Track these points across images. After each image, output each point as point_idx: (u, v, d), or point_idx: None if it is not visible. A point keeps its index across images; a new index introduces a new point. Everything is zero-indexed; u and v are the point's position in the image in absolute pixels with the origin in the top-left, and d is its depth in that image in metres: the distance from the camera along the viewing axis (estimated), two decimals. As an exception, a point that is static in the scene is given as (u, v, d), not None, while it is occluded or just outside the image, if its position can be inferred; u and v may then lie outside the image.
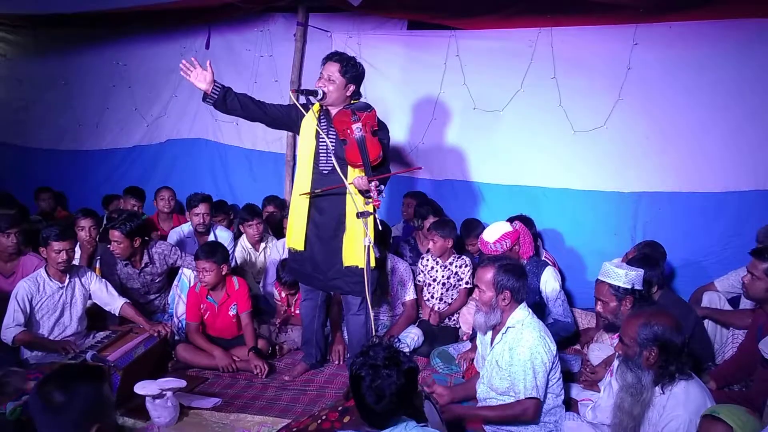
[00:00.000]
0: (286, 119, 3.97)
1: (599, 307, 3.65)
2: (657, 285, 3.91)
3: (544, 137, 5.48)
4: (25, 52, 7.85)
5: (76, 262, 4.85)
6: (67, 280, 4.28)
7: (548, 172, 5.52)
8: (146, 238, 4.85)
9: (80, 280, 4.37)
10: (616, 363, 3.00)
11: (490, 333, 3.43)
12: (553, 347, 3.24)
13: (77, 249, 4.93)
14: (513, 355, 3.20)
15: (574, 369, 4.15)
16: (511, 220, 4.82)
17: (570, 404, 3.55)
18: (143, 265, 4.79)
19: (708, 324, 4.10)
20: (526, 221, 4.91)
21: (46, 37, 7.62)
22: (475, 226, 5.33)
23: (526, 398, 3.16)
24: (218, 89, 3.74)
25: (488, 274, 3.28)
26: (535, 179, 5.57)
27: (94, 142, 7.58)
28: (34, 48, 7.76)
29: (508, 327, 3.28)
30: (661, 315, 2.77)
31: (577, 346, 4.68)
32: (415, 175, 5.95)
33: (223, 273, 4.46)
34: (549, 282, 4.42)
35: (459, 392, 3.62)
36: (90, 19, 6.83)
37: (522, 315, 3.27)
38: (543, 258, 4.96)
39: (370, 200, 3.64)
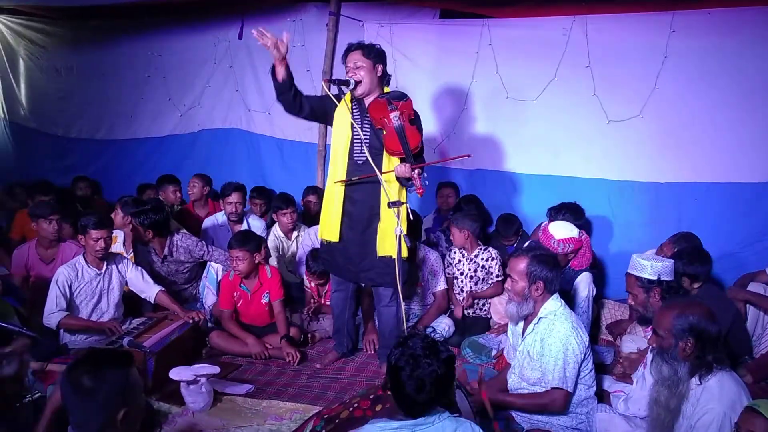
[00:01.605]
0: (322, 111, 3.98)
1: (630, 300, 3.64)
2: (702, 280, 3.84)
3: (578, 127, 5.41)
4: (63, 44, 8.00)
5: (120, 246, 4.95)
6: (104, 267, 4.37)
7: (582, 162, 5.45)
8: (165, 231, 4.91)
9: (117, 268, 4.45)
10: (650, 356, 2.96)
11: (521, 323, 3.40)
12: (586, 338, 3.21)
13: (121, 234, 5.03)
14: (544, 346, 3.18)
15: (607, 361, 4.11)
16: (557, 209, 4.79)
17: (602, 396, 3.52)
18: (164, 255, 4.89)
19: (750, 311, 4.01)
20: (575, 210, 4.85)
21: (84, 29, 7.77)
22: (512, 222, 5.31)
23: (554, 388, 3.15)
24: (292, 78, 3.75)
25: (521, 264, 3.25)
26: (568, 169, 5.50)
27: (128, 132, 7.72)
28: (71, 40, 7.92)
29: (540, 318, 3.25)
30: (695, 305, 2.74)
31: (610, 338, 4.64)
32: (448, 165, 5.93)
33: (257, 261, 4.51)
34: (581, 287, 4.32)
35: (493, 386, 3.60)
36: (126, 11, 6.95)
37: (554, 306, 3.24)
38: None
39: (413, 188, 3.62)
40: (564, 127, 5.46)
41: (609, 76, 5.24)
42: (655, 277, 3.44)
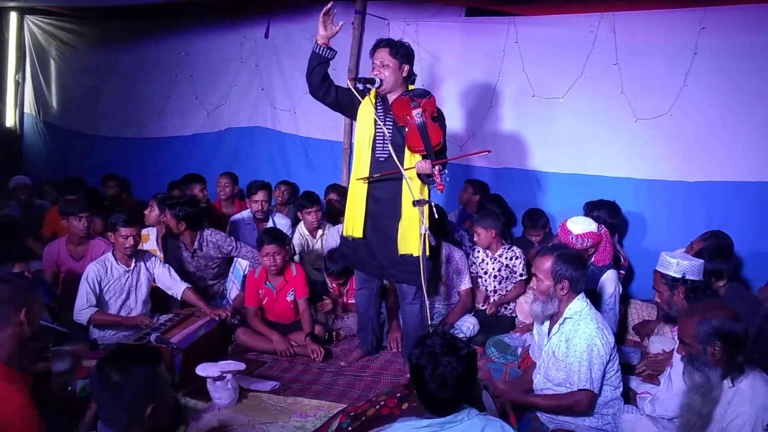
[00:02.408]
0: (347, 103, 3.97)
1: (656, 297, 3.61)
2: (727, 278, 3.78)
3: (605, 125, 5.36)
4: (92, 44, 8.12)
5: (154, 243, 5.02)
6: (133, 264, 4.42)
7: (609, 160, 5.39)
8: (197, 225, 4.96)
9: (145, 265, 4.51)
10: (676, 356, 2.93)
11: (546, 323, 3.38)
12: (611, 339, 3.18)
13: (154, 231, 5.11)
14: (569, 346, 3.16)
15: (633, 361, 4.07)
16: (593, 205, 4.75)
17: (628, 397, 3.49)
18: (194, 249, 4.94)
19: None
20: (612, 208, 4.81)
21: (112, 29, 7.88)
22: (539, 217, 5.28)
23: (579, 390, 3.12)
24: (332, 51, 3.79)
25: (546, 263, 3.23)
26: (595, 168, 5.45)
27: (156, 130, 7.80)
28: (101, 39, 8.03)
29: (565, 318, 3.23)
30: (716, 307, 2.69)
31: (637, 338, 4.59)
32: (473, 163, 5.91)
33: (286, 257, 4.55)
34: (607, 285, 4.25)
35: (517, 387, 3.58)
36: (154, 11, 7.03)
37: (580, 306, 3.22)
38: (615, 251, 4.84)
39: (434, 184, 3.62)
40: (591, 125, 5.42)
41: (637, 73, 5.19)
42: (679, 275, 3.41)
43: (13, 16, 8.35)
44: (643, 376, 3.74)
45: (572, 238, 4.12)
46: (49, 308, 4.35)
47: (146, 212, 5.23)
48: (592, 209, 4.76)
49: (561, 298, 3.22)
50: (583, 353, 3.09)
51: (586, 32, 5.31)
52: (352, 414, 3.02)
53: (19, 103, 8.73)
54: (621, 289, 4.35)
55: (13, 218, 5.82)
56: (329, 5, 3.69)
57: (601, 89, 5.31)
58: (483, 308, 4.84)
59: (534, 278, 3.33)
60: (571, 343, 3.15)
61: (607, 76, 5.27)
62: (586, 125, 5.44)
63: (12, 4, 7.81)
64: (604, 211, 4.73)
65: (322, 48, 3.75)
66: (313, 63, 3.80)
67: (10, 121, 8.67)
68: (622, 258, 4.88)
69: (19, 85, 8.65)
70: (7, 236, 4.99)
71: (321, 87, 3.84)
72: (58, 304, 4.52)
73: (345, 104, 3.98)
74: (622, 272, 4.79)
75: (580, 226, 4.17)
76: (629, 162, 5.33)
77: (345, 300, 5.02)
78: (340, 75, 6.13)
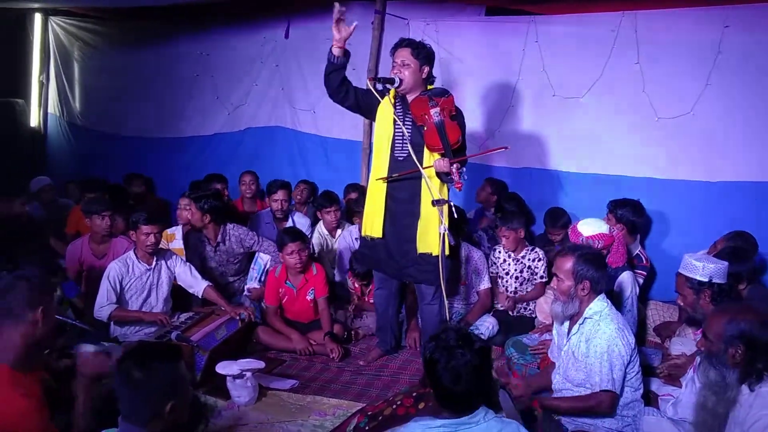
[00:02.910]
0: (366, 104, 4.00)
1: (679, 300, 3.57)
2: (746, 280, 3.74)
3: (626, 124, 5.31)
4: (114, 44, 8.20)
5: (180, 242, 5.09)
6: (154, 263, 4.46)
7: (630, 160, 5.34)
8: (220, 219, 5.02)
9: (166, 263, 4.55)
10: (698, 359, 2.90)
11: (566, 323, 3.36)
12: (632, 340, 3.15)
13: (179, 230, 5.17)
14: (589, 347, 3.13)
15: (655, 363, 4.02)
16: (617, 203, 4.71)
17: (650, 399, 3.45)
18: (217, 243, 4.99)
19: None
20: (636, 207, 4.77)
21: (134, 29, 7.95)
22: (560, 215, 5.26)
23: (601, 391, 3.09)
24: (347, 55, 3.82)
25: (568, 263, 3.21)
26: (616, 168, 5.40)
27: (177, 130, 7.86)
28: (122, 40, 8.11)
29: (585, 318, 3.20)
30: (749, 311, 2.66)
31: (658, 340, 4.55)
32: (493, 162, 5.89)
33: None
34: (624, 286, 4.18)
35: (534, 383, 3.57)
36: (175, 11, 7.09)
37: (600, 306, 3.19)
38: (638, 252, 4.81)
39: (452, 183, 3.62)
40: (612, 125, 5.38)
41: (659, 72, 5.13)
42: (706, 279, 3.36)
43: (38, 18, 8.45)
44: (664, 378, 3.71)
45: (582, 241, 4.06)
46: (72, 306, 4.41)
47: (180, 211, 5.28)
48: (616, 207, 4.73)
49: (582, 299, 3.20)
50: (603, 354, 3.07)
51: (608, 31, 5.27)
52: (369, 413, 3.03)
53: (43, 104, 8.83)
54: (638, 290, 4.31)
55: (36, 218, 5.89)
56: (337, 9, 3.69)
57: (623, 88, 5.27)
58: (502, 309, 4.82)
59: (555, 278, 3.31)
60: (591, 344, 3.13)
61: (628, 76, 5.22)
62: (606, 125, 5.39)
63: (37, 5, 7.91)
64: (628, 209, 4.70)
65: (336, 57, 3.78)
66: (328, 69, 3.84)
67: (34, 121, 8.78)
68: (643, 258, 4.84)
69: (43, 86, 8.76)
70: (30, 235, 5.05)
71: (339, 91, 3.88)
72: (82, 302, 4.58)
73: (364, 106, 3.99)
74: (644, 273, 4.75)
75: (591, 228, 4.11)
76: (650, 162, 5.27)
77: (367, 299, 5.03)
78: (359, 75, 6.17)
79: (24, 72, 8.59)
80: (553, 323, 3.67)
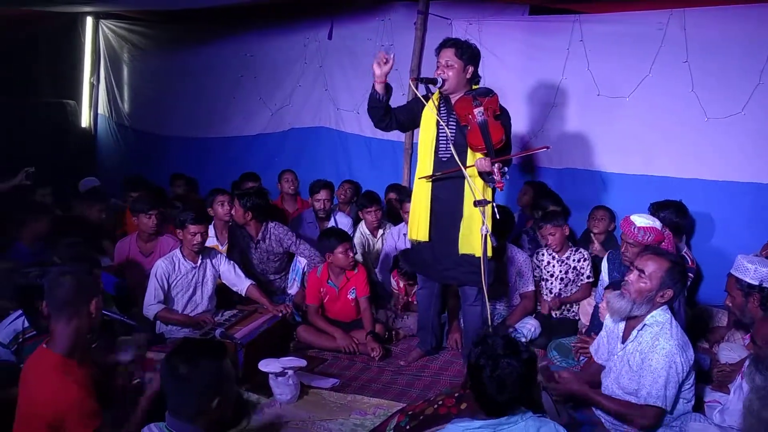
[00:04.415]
0: (410, 119, 4.05)
1: (728, 301, 3.46)
2: None
3: (674, 124, 5.20)
4: (161, 46, 8.36)
5: (215, 240, 5.17)
6: (199, 261, 4.54)
7: (678, 161, 5.23)
8: (262, 216, 5.10)
9: (211, 262, 4.62)
10: (746, 364, 2.81)
11: (621, 325, 3.23)
12: (692, 355, 3.01)
13: (211, 228, 5.24)
14: (645, 360, 2.99)
15: (705, 367, 3.92)
16: (658, 205, 4.62)
17: (697, 405, 3.36)
18: (257, 240, 5.06)
19: None
20: (679, 208, 4.68)
21: (180, 31, 8.09)
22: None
23: (648, 405, 2.97)
24: (389, 90, 3.88)
25: (661, 266, 3.02)
26: (663, 169, 5.30)
27: (221, 130, 7.98)
28: (169, 42, 8.27)
29: (644, 324, 3.06)
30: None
31: (706, 345, 4.44)
32: (536, 162, 5.83)
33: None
34: None
35: (582, 378, 3.49)
36: (220, 13, 7.20)
37: (662, 317, 3.04)
38: (683, 253, 4.70)
39: (493, 183, 3.60)
40: (659, 125, 5.27)
41: (708, 71, 5.02)
42: (756, 282, 3.28)
43: (89, 21, 8.66)
44: (713, 385, 3.61)
45: (634, 229, 3.90)
46: (118, 301, 4.51)
47: (215, 206, 5.38)
48: (657, 210, 4.62)
49: (655, 305, 3.05)
50: (661, 369, 2.93)
51: (655, 29, 5.17)
52: (410, 413, 3.03)
53: (93, 105, 9.05)
54: (686, 294, 4.21)
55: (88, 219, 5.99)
56: (383, 54, 3.76)
57: (670, 88, 5.17)
58: (546, 313, 4.77)
59: (633, 273, 3.11)
60: (647, 357, 2.99)
61: (676, 75, 5.12)
62: (653, 125, 5.29)
63: (89, 9, 8.11)
64: (670, 211, 4.59)
65: (380, 95, 3.84)
66: (372, 104, 3.92)
67: (85, 121, 9.01)
68: (689, 260, 4.73)
69: (94, 87, 8.97)
70: (82, 236, 5.16)
71: (383, 120, 3.98)
72: (128, 298, 4.68)
73: (408, 122, 4.07)
74: (690, 275, 4.64)
75: (643, 219, 3.99)
76: (698, 162, 5.16)
77: (412, 299, 5.03)
78: (401, 75, 6.19)
79: (76, 74, 8.80)
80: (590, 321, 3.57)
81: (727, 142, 5.01)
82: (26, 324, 3.34)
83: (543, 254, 4.88)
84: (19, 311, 3.39)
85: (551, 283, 4.84)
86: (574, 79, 5.59)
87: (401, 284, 5.05)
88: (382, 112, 3.92)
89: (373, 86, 3.84)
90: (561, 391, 3.05)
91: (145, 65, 8.57)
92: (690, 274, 4.60)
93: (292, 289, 5.10)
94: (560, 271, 4.80)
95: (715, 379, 3.63)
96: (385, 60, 3.74)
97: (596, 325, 4.12)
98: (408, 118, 4.03)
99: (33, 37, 7.80)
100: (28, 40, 7.75)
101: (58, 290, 2.55)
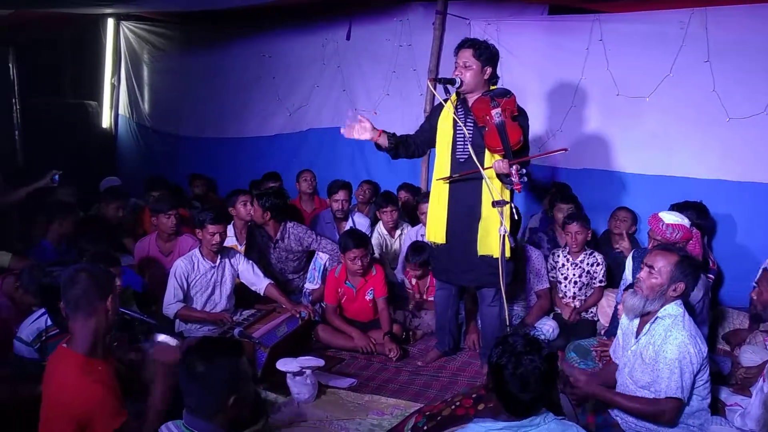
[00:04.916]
0: (430, 130, 4.08)
1: (754, 293, 3.41)
2: None
3: (695, 125, 5.16)
4: (180, 47, 8.42)
5: (234, 239, 5.20)
6: (218, 261, 4.57)
7: (698, 161, 5.18)
8: (281, 216, 5.12)
9: (230, 261, 4.65)
10: (768, 365, 2.79)
11: (635, 321, 3.22)
12: (704, 348, 3.00)
13: (230, 228, 5.27)
14: (659, 352, 2.99)
15: (724, 371, 3.88)
16: (679, 207, 4.58)
17: (717, 408, 3.32)
18: (276, 240, 5.08)
19: None
20: (699, 209, 4.64)
21: (199, 32, 8.15)
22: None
23: (667, 398, 2.96)
24: (392, 142, 3.99)
25: (669, 261, 3.03)
26: (683, 169, 5.25)
27: (239, 131, 8.02)
28: (188, 43, 8.33)
29: (657, 317, 3.06)
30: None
31: (727, 347, 4.39)
32: (555, 164, 5.80)
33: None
34: (695, 290, 4.04)
35: (597, 379, 3.47)
36: (239, 14, 7.24)
37: (675, 311, 3.03)
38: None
39: (511, 184, 3.59)
40: (679, 125, 5.23)
41: (730, 71, 4.97)
42: None
43: (110, 23, 8.74)
44: (733, 388, 3.57)
45: (662, 226, 3.88)
46: (138, 299, 4.56)
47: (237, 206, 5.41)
48: (678, 211, 4.55)
49: (667, 299, 3.04)
50: (674, 360, 2.93)
51: (676, 29, 5.13)
52: (427, 414, 3.04)
53: (114, 105, 9.14)
54: (710, 296, 4.15)
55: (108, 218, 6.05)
56: (357, 126, 4.01)
57: (691, 88, 5.12)
58: (567, 318, 4.75)
59: (646, 271, 3.12)
60: (661, 349, 2.98)
61: (697, 74, 5.07)
62: (673, 125, 5.25)
63: (110, 11, 8.19)
64: (691, 212, 4.53)
65: (383, 146, 4.01)
66: (382, 151, 4.07)
67: (106, 122, 9.10)
68: (710, 261, 4.68)
69: (114, 88, 9.05)
70: (103, 235, 5.21)
71: (405, 156, 4.13)
72: (148, 296, 4.72)
73: (431, 135, 4.08)
74: (711, 276, 4.59)
75: (673, 217, 3.95)
76: (720, 163, 5.11)
77: (426, 297, 5.02)
78: (420, 76, 6.20)
79: (97, 75, 8.90)
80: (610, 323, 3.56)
81: (749, 142, 4.95)
82: (49, 322, 3.38)
83: (558, 255, 4.86)
84: (42, 309, 3.44)
85: (566, 286, 4.82)
86: (594, 79, 5.55)
87: (413, 281, 5.05)
88: (396, 152, 4.04)
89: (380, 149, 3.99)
90: (580, 395, 3.03)
91: (165, 66, 8.63)
92: (710, 276, 4.56)
93: (312, 284, 5.11)
94: (574, 275, 4.78)
95: (737, 381, 3.59)
96: (360, 125, 3.93)
97: (616, 326, 4.08)
98: (428, 137, 4.10)
99: (56, 39, 7.90)
100: (51, 42, 7.85)
101: (72, 288, 2.54)
